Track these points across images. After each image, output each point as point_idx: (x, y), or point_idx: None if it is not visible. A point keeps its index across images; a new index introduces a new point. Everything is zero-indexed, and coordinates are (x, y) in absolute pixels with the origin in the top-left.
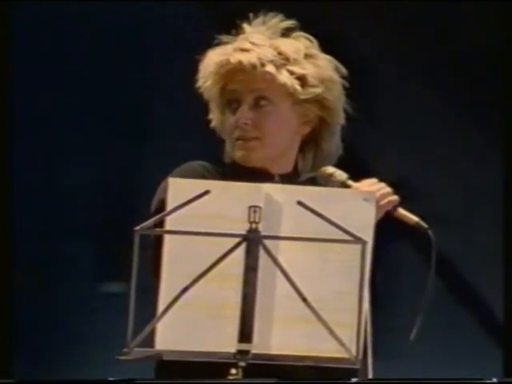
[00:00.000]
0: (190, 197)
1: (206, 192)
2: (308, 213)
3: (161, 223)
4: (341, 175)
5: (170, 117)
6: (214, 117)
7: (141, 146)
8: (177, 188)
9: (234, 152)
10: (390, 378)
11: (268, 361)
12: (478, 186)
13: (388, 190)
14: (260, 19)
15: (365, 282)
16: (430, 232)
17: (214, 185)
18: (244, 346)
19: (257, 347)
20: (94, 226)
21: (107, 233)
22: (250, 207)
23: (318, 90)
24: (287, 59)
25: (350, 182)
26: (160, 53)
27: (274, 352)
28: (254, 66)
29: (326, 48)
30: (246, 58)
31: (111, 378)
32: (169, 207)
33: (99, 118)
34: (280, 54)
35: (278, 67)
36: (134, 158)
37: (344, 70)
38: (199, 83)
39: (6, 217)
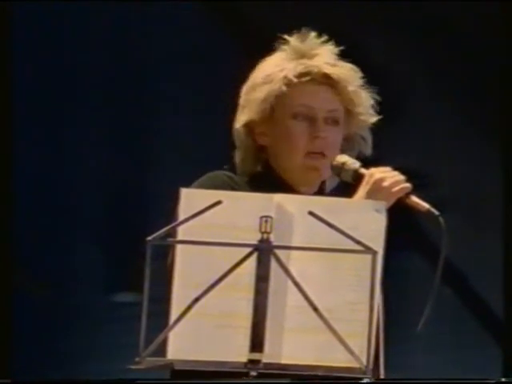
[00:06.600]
0: (202, 207)
1: (218, 202)
2: (319, 223)
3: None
4: (354, 163)
5: (185, 124)
6: (246, 118)
7: (153, 154)
8: (189, 198)
9: (302, 163)
10: (395, 378)
11: (279, 370)
12: (478, 187)
13: (401, 177)
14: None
15: (376, 292)
16: (440, 219)
17: (226, 195)
18: (255, 356)
19: (268, 357)
20: (104, 235)
21: (117, 241)
22: (262, 217)
23: (375, 118)
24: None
25: (363, 170)
26: (166, 58)
27: (285, 361)
28: (346, 81)
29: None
30: (339, 72)
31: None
32: (181, 217)
33: (112, 123)
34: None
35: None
36: (146, 165)
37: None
38: (260, 86)
39: (13, 225)
